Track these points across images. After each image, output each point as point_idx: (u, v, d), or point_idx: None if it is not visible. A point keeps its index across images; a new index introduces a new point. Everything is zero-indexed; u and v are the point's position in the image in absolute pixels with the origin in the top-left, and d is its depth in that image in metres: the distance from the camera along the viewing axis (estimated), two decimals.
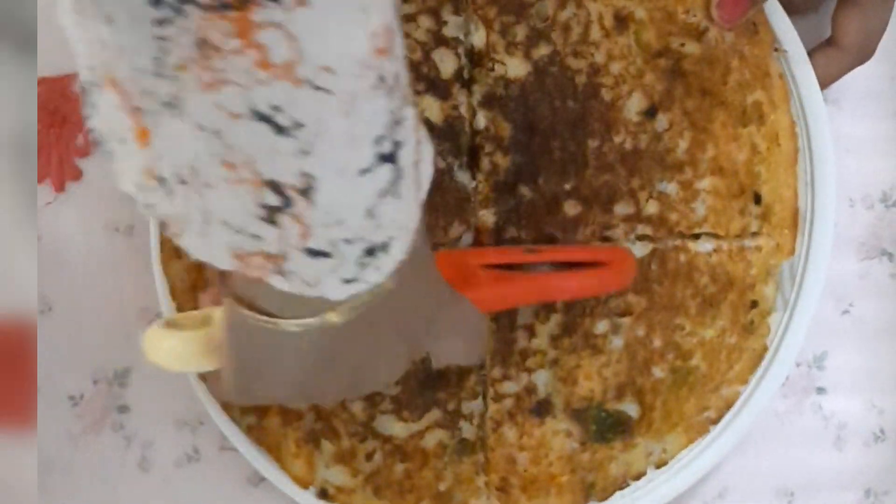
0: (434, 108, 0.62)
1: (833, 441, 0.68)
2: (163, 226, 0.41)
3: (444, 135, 0.62)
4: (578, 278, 0.58)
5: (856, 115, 0.68)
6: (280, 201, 0.38)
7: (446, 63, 0.62)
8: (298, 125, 0.36)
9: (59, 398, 0.64)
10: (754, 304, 0.63)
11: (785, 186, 0.63)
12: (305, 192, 0.38)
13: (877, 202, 0.69)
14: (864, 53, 0.63)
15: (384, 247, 0.41)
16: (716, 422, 0.63)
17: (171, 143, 0.38)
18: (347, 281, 0.41)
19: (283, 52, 0.34)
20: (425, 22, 0.62)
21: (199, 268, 0.61)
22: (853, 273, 0.68)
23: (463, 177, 0.62)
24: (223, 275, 0.45)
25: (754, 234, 0.63)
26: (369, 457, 0.62)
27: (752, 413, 0.63)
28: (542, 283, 0.58)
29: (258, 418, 0.61)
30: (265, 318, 0.45)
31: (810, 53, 0.63)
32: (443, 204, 0.62)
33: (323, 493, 0.62)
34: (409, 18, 0.61)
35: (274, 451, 0.62)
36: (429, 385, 0.62)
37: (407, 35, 0.61)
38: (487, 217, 0.62)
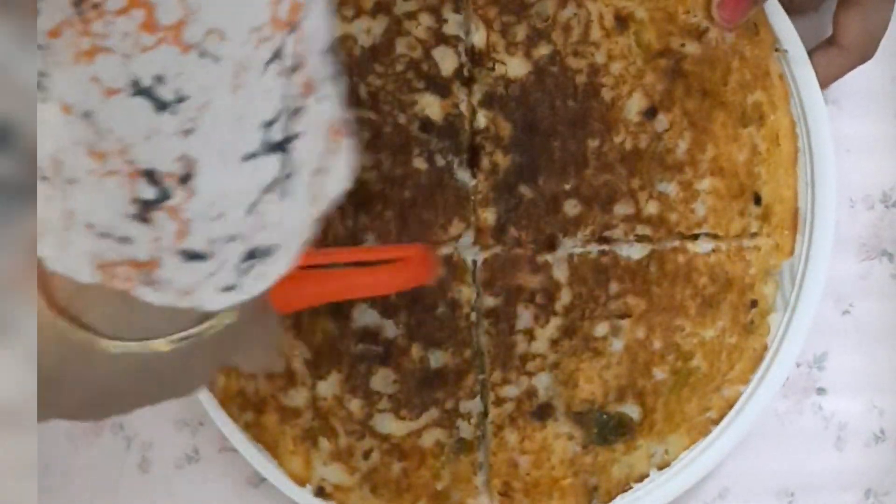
0: (434, 106, 0.62)
1: (833, 442, 0.68)
2: None
3: (444, 132, 0.62)
4: (372, 274, 0.56)
5: (856, 115, 0.68)
6: (156, 193, 0.34)
7: (446, 61, 0.62)
8: (182, 98, 0.33)
9: None
10: (754, 303, 0.63)
11: (785, 187, 0.63)
12: (185, 179, 0.34)
13: (877, 202, 0.68)
14: (865, 53, 0.63)
15: (267, 251, 0.38)
16: (717, 422, 0.63)
17: None
18: (226, 289, 0.38)
19: (173, 12, 0.31)
20: (426, 19, 0.62)
21: None
22: (854, 273, 0.68)
23: (463, 175, 0.62)
24: (43, 277, 0.40)
25: (754, 235, 0.63)
26: (367, 455, 0.62)
27: (752, 414, 0.63)
28: (337, 280, 0.56)
29: (256, 415, 0.61)
30: (82, 332, 0.40)
31: (811, 53, 0.63)
32: (442, 201, 0.62)
33: (320, 491, 0.62)
34: (409, 16, 0.62)
35: (271, 448, 0.62)
36: (426, 384, 0.62)
37: (407, 32, 0.62)
38: (488, 216, 0.62)
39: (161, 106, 0.33)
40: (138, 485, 0.64)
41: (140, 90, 0.32)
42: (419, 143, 0.62)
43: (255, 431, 0.62)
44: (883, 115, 0.68)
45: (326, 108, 0.38)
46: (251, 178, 0.36)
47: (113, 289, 0.37)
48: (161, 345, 0.41)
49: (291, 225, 0.38)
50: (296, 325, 0.62)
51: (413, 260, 0.57)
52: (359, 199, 0.61)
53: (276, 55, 0.34)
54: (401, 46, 0.62)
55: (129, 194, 0.34)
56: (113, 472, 0.64)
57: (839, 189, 0.64)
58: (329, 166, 0.39)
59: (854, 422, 0.68)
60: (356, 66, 0.62)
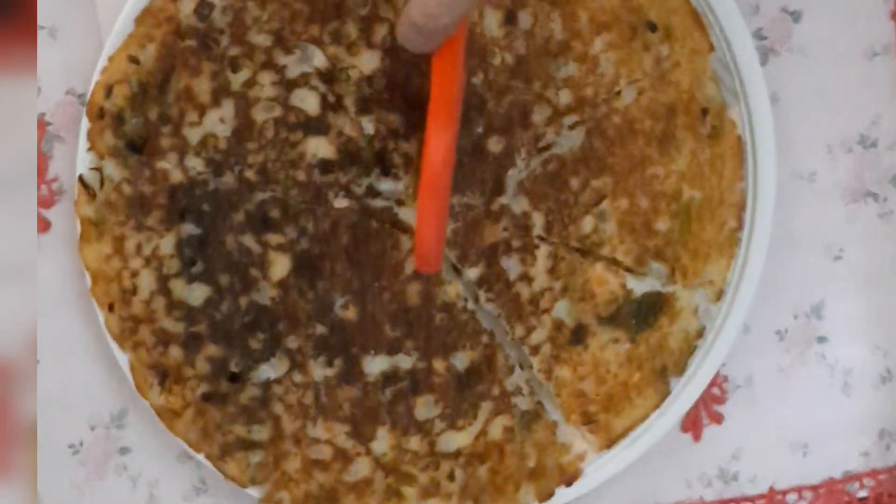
0: (322, 145, 0.59)
1: (841, 388, 0.68)
2: None
3: (345, 162, 0.59)
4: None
5: (824, 63, 0.67)
6: None
7: (308, 100, 0.59)
8: None
9: (59, 448, 0.64)
10: (704, 111, 0.62)
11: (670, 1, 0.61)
12: None
13: (855, 144, 0.68)
14: None
15: None
16: (738, 229, 0.63)
17: None
18: None
19: None
20: (266, 78, 0.58)
21: (119, 249, 0.59)
22: (841, 219, 0.68)
23: (387, 185, 0.60)
24: None
25: (669, 57, 0.62)
26: (451, 477, 0.62)
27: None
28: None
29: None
30: None
31: None
32: (380, 224, 0.60)
33: None
34: (248, 84, 0.58)
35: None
36: (465, 385, 0.62)
37: (256, 100, 0.58)
38: None
39: None
40: None
41: None
42: (328, 186, 0.60)
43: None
44: (852, 59, 0.68)
45: None
46: None
47: None
48: None
49: None
50: (316, 403, 0.61)
51: None
52: (304, 269, 0.60)
53: None
54: (258, 114, 0.58)
55: None
56: None
57: (814, 138, 0.65)
58: None
59: (859, 366, 0.68)
60: (232, 157, 0.58)
